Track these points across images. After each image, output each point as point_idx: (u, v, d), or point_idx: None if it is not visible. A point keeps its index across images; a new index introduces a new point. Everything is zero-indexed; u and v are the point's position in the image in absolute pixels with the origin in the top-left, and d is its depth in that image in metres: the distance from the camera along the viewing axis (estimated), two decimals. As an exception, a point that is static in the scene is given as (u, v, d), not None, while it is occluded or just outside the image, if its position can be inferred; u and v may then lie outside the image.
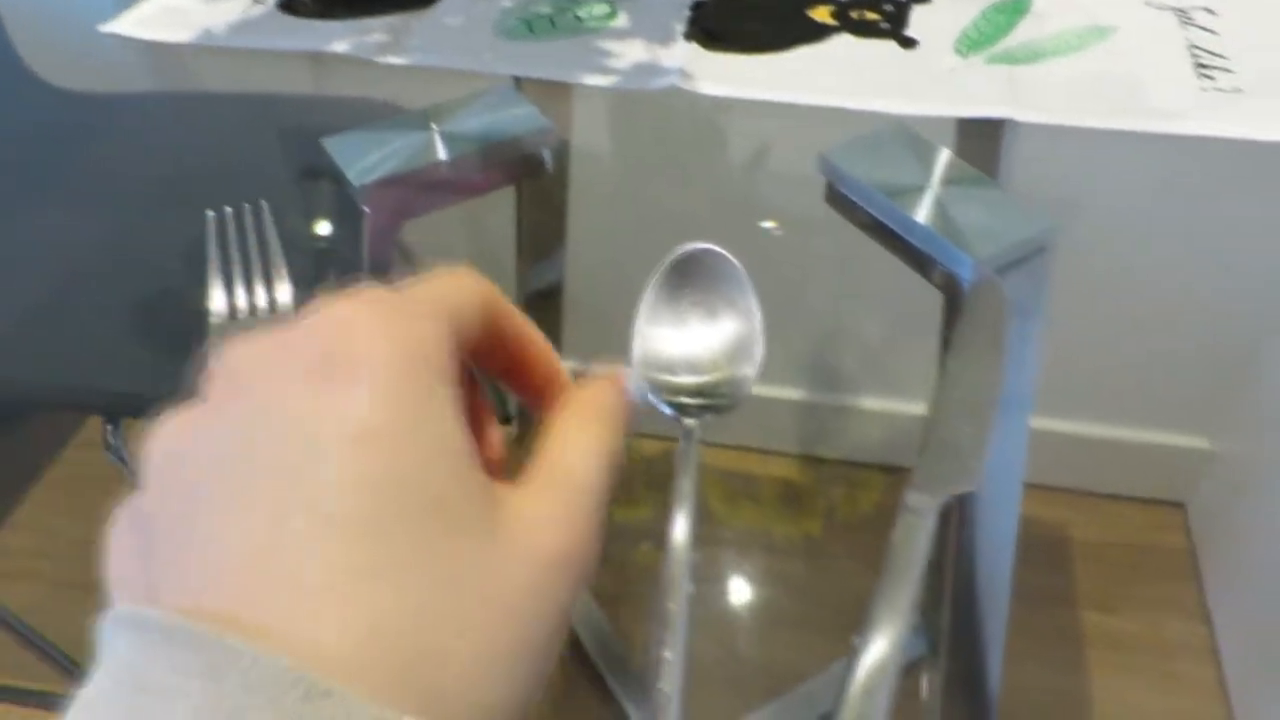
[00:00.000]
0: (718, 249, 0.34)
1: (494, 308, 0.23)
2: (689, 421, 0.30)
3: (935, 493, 0.30)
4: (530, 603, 0.19)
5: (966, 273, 0.42)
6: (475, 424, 0.23)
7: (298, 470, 0.18)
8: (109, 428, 0.86)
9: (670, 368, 0.32)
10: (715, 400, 0.31)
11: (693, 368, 0.32)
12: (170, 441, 0.20)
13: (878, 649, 0.26)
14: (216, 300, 0.39)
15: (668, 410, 0.31)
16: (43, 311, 0.70)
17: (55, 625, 1.00)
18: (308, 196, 0.72)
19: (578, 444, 0.22)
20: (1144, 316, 1.02)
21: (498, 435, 0.25)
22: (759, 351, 0.32)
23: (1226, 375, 1.06)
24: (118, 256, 0.75)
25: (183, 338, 0.71)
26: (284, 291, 0.41)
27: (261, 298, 0.39)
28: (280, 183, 0.79)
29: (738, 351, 0.32)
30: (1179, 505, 1.19)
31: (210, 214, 0.42)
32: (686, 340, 0.32)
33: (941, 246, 0.43)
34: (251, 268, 0.40)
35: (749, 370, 0.32)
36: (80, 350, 0.71)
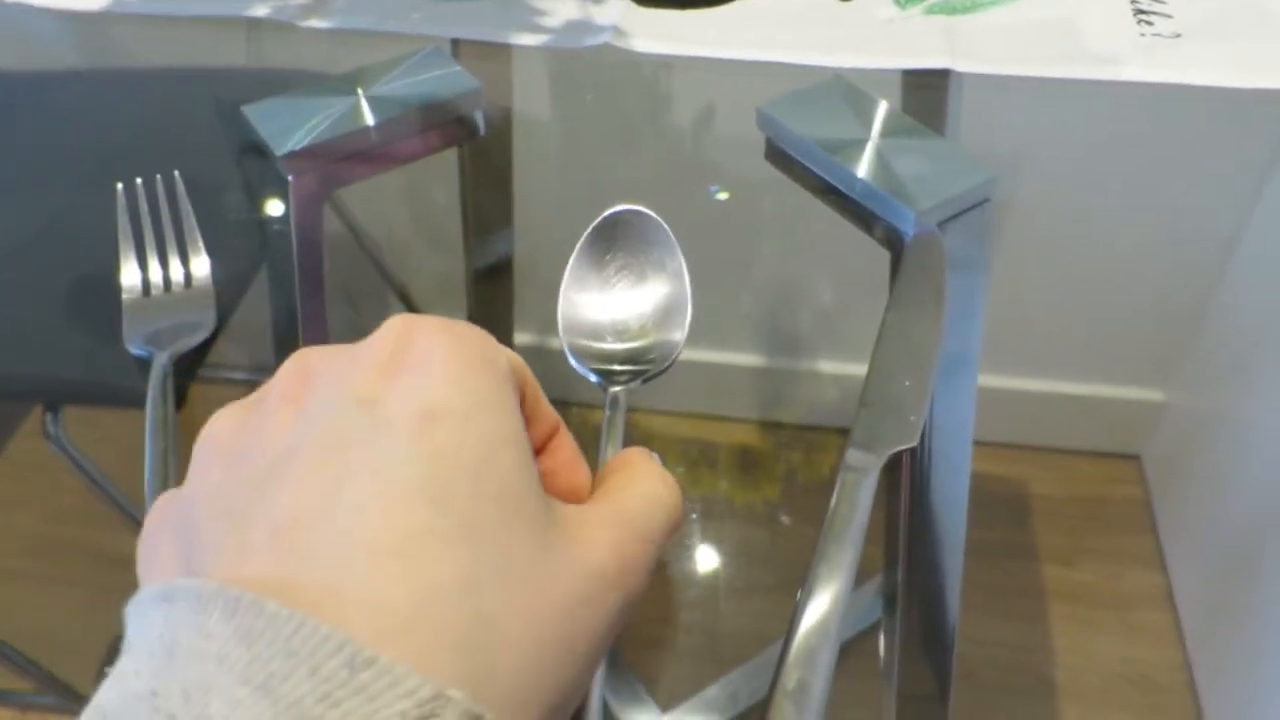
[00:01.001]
0: (644, 210, 0.33)
1: (526, 386, 0.23)
2: (615, 389, 0.30)
3: (876, 450, 0.30)
4: (579, 608, 0.18)
5: (908, 227, 0.41)
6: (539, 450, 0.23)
7: (364, 441, 0.17)
8: (48, 416, 0.84)
9: (596, 333, 0.31)
10: (642, 366, 0.30)
11: (619, 333, 0.31)
12: (228, 431, 0.20)
13: (818, 608, 0.26)
14: (129, 275, 0.37)
15: (594, 378, 0.30)
16: None
17: (12, 623, 0.98)
18: (234, 168, 0.70)
19: (640, 489, 0.22)
20: (1094, 270, 1.02)
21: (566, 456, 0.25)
22: (687, 315, 0.31)
23: (1178, 327, 1.07)
24: (44, 239, 0.73)
25: (116, 322, 0.69)
26: (200, 265, 0.39)
27: (177, 271, 0.38)
28: (208, 156, 0.77)
29: (666, 316, 0.31)
30: (1134, 457, 1.21)
31: (120, 186, 0.40)
32: (612, 305, 0.32)
33: (882, 201, 0.42)
34: (165, 241, 0.38)
35: (677, 335, 0.31)
36: (12, 337, 0.69)
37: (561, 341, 0.31)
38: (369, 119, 0.46)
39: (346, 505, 0.17)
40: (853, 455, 0.29)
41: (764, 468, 1.10)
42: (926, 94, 0.52)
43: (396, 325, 0.20)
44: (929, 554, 0.53)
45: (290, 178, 0.45)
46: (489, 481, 0.18)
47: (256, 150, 0.47)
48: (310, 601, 0.15)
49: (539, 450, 0.23)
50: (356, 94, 0.47)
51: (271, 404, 0.19)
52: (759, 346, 1.09)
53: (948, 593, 0.55)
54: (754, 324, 1.06)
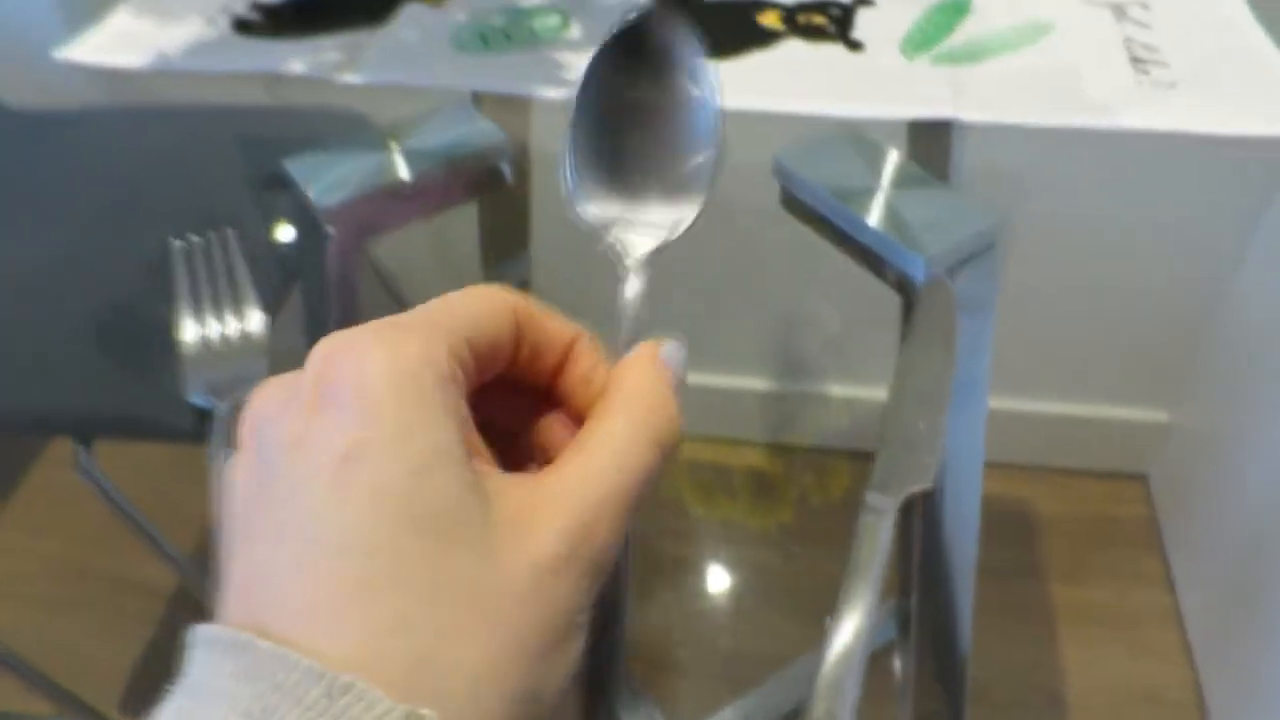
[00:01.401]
0: (669, 14, 0.28)
1: (524, 317, 0.23)
2: (632, 259, 0.26)
3: (894, 492, 0.32)
4: (526, 609, 0.19)
5: (918, 272, 0.43)
6: (522, 419, 0.24)
7: (294, 493, 0.19)
8: (80, 449, 0.86)
9: (609, 191, 0.27)
10: (659, 227, 0.26)
11: (634, 193, 0.27)
12: (228, 484, 0.21)
13: (843, 641, 0.28)
14: (188, 331, 0.39)
15: (616, 249, 0.27)
16: (3, 335, 0.70)
17: (36, 646, 0.99)
18: (269, 216, 0.72)
19: (597, 451, 0.22)
20: (1098, 293, 1.04)
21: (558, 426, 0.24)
22: (715, 148, 0.27)
23: (1181, 348, 1.09)
24: (77, 275, 0.75)
25: (148, 356, 0.71)
26: (255, 320, 0.41)
27: (233, 327, 0.40)
28: (237, 197, 0.79)
29: (689, 153, 0.27)
30: (1140, 477, 1.22)
31: (177, 243, 0.42)
32: (626, 151, 0.27)
33: (892, 247, 0.44)
34: (221, 297, 0.40)
35: (702, 180, 0.27)
36: (44, 372, 0.71)
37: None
38: (404, 172, 0.48)
39: (284, 567, 0.18)
40: (872, 497, 0.32)
41: (776, 490, 1.12)
42: (932, 138, 0.54)
43: (320, 351, 0.20)
44: (941, 579, 0.55)
45: (330, 229, 0.47)
46: (419, 506, 0.18)
47: (292, 199, 0.49)
48: (290, 644, 0.17)
49: (554, 374, 0.24)
50: (391, 147, 0.49)
51: (238, 461, 0.21)
52: (771, 371, 1.12)
53: (960, 615, 0.57)
54: (766, 349, 1.09)
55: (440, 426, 0.19)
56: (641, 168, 0.27)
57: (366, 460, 0.19)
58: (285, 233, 0.56)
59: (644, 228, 0.27)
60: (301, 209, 0.48)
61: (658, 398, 0.23)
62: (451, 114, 0.51)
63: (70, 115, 0.87)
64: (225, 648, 0.18)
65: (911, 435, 0.34)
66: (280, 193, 0.50)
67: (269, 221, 0.66)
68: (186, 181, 0.84)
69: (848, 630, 0.28)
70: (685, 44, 0.27)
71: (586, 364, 0.24)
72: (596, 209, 0.27)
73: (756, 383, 1.12)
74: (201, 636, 0.18)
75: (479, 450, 0.22)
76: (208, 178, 0.83)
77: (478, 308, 0.22)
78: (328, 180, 0.47)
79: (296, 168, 0.48)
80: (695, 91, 0.27)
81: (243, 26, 0.58)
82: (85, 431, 0.83)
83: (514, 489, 0.20)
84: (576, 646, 0.20)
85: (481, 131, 0.50)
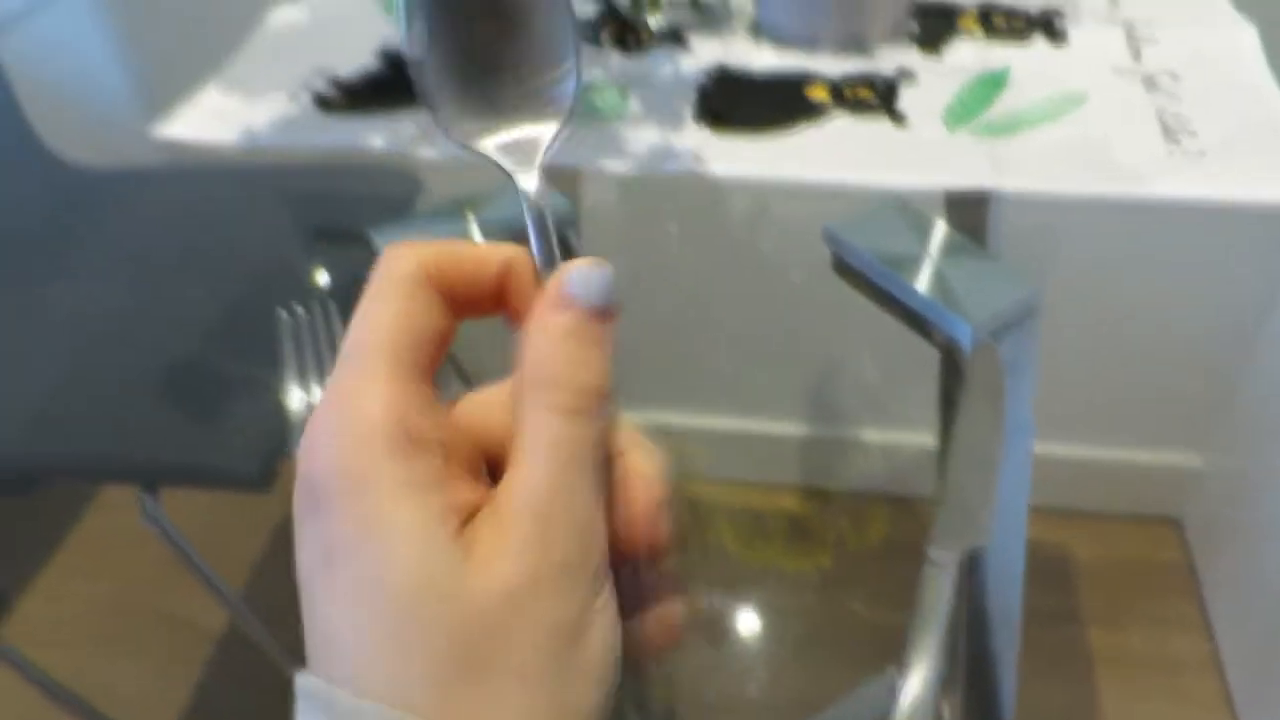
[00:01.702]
0: None
1: (443, 273, 0.23)
2: (524, 176, 0.25)
3: (953, 547, 0.34)
4: (516, 632, 0.20)
5: (964, 337, 0.46)
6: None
7: (306, 588, 0.21)
8: (146, 496, 0.89)
9: (480, 90, 0.25)
10: (536, 139, 0.25)
11: (507, 84, 0.26)
12: None
13: (913, 694, 0.30)
14: (294, 398, 0.43)
15: (486, 150, 0.26)
16: (73, 384, 0.73)
17: (90, 688, 1.02)
18: (317, 259, 0.76)
19: (518, 449, 0.21)
20: (1131, 337, 1.06)
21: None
22: (574, 50, 0.26)
23: (1213, 392, 1.10)
24: (143, 327, 0.78)
25: (212, 406, 0.74)
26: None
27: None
28: (293, 250, 0.83)
29: (547, 44, 0.26)
30: (1175, 521, 1.23)
31: (284, 315, 0.46)
32: (486, 47, 0.26)
33: (940, 313, 0.47)
34: (324, 364, 0.44)
35: (568, 83, 0.26)
36: (114, 421, 0.74)
37: (444, 128, 0.25)
38: (479, 240, 0.52)
39: (322, 640, 0.21)
40: (934, 553, 0.34)
41: (815, 535, 1.14)
42: (968, 205, 0.57)
43: (300, 447, 0.21)
44: (987, 626, 0.57)
45: (412, 296, 0.50)
46: (390, 574, 0.20)
47: (361, 259, 0.53)
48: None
49: (495, 301, 0.23)
50: (467, 218, 0.53)
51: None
52: (809, 417, 1.14)
53: (1004, 663, 0.59)
54: (804, 396, 1.11)
55: (399, 498, 0.20)
56: (507, 77, 0.26)
57: (339, 564, 0.20)
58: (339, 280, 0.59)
59: (524, 142, 0.26)
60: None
61: (554, 362, 0.22)
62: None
63: (133, 173, 0.91)
64: (305, 694, 0.20)
65: (967, 494, 0.36)
66: (346, 251, 0.53)
67: (348, 285, 0.70)
68: (244, 236, 0.87)
69: (916, 681, 0.31)
70: None
71: (523, 286, 0.24)
72: (470, 126, 0.25)
73: (794, 428, 1.14)
74: (295, 684, 0.21)
75: (456, 472, 0.22)
76: (264, 232, 0.87)
77: (398, 306, 0.22)
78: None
79: (381, 237, 0.52)
80: None
81: (323, 103, 0.62)
82: (152, 479, 0.86)
83: (481, 524, 0.21)
84: (601, 639, 0.21)
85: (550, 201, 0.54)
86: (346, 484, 0.20)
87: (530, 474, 0.21)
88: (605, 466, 0.22)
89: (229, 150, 0.58)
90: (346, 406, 0.21)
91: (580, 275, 0.22)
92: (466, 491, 0.21)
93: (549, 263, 0.24)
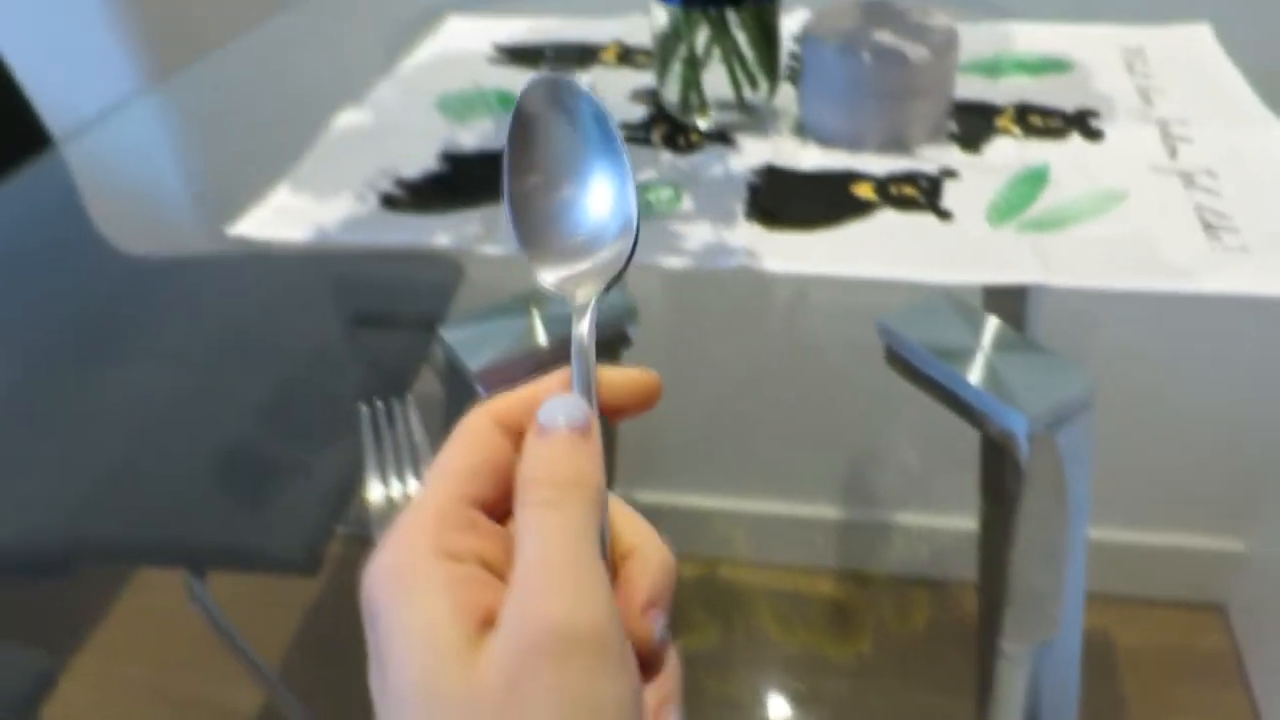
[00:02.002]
0: (571, 81, 0.30)
1: (514, 417, 0.26)
2: (582, 294, 0.29)
3: (1025, 640, 0.35)
4: (514, 707, 0.21)
5: (1020, 429, 0.47)
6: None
7: (373, 693, 0.23)
8: (194, 579, 0.91)
9: (551, 239, 0.30)
10: (600, 267, 0.29)
11: (573, 235, 0.30)
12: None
13: (994, 784, 0.31)
14: (374, 492, 0.44)
15: (553, 288, 0.30)
16: (123, 469, 0.75)
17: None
18: (362, 345, 0.77)
19: (515, 555, 0.23)
20: (1173, 423, 1.06)
21: None
22: (632, 201, 0.30)
23: (1257, 476, 1.10)
24: (193, 413, 0.80)
25: (257, 489, 0.76)
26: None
27: (413, 486, 0.45)
28: (340, 337, 0.85)
29: (612, 207, 0.30)
30: (1219, 607, 1.22)
31: (364, 409, 0.48)
32: (559, 204, 0.30)
33: (995, 405, 0.48)
34: (402, 459, 0.45)
35: (627, 224, 0.30)
36: (164, 506, 0.76)
37: (524, 258, 0.30)
38: (543, 337, 0.54)
39: None
40: (1007, 645, 0.35)
41: (854, 620, 1.13)
42: (1007, 298, 0.59)
43: (362, 585, 0.23)
44: (1045, 715, 0.57)
45: (480, 389, 0.52)
46: (405, 676, 0.21)
47: (443, 356, 0.55)
48: None
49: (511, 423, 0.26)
50: (532, 313, 0.55)
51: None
52: (847, 499, 1.15)
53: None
54: (844, 479, 1.12)
55: (417, 602, 0.22)
56: (580, 220, 0.30)
57: (377, 667, 0.22)
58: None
59: (589, 275, 0.30)
60: (454, 370, 0.53)
61: (532, 466, 0.24)
62: (584, 283, 0.56)
63: (185, 262, 0.94)
64: None
65: (1036, 587, 0.37)
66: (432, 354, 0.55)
67: (403, 373, 0.72)
68: (290, 323, 0.90)
69: (995, 771, 0.31)
70: (582, 98, 0.30)
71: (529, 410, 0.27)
72: (552, 272, 0.30)
73: (834, 512, 1.14)
74: None
75: (496, 581, 0.23)
76: (310, 319, 0.90)
77: (459, 448, 0.26)
78: (478, 345, 0.53)
79: (451, 334, 0.54)
80: (605, 142, 0.30)
81: (389, 202, 0.65)
82: (200, 563, 0.88)
83: (500, 638, 0.22)
84: (617, 702, 0.21)
85: (611, 298, 0.56)
86: (385, 592, 0.23)
87: (520, 563, 0.22)
88: (601, 550, 0.24)
89: (300, 247, 0.61)
90: (398, 529, 0.24)
91: (551, 406, 0.26)
92: (499, 593, 0.23)
93: (584, 393, 0.27)
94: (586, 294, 0.29)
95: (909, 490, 1.11)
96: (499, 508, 0.25)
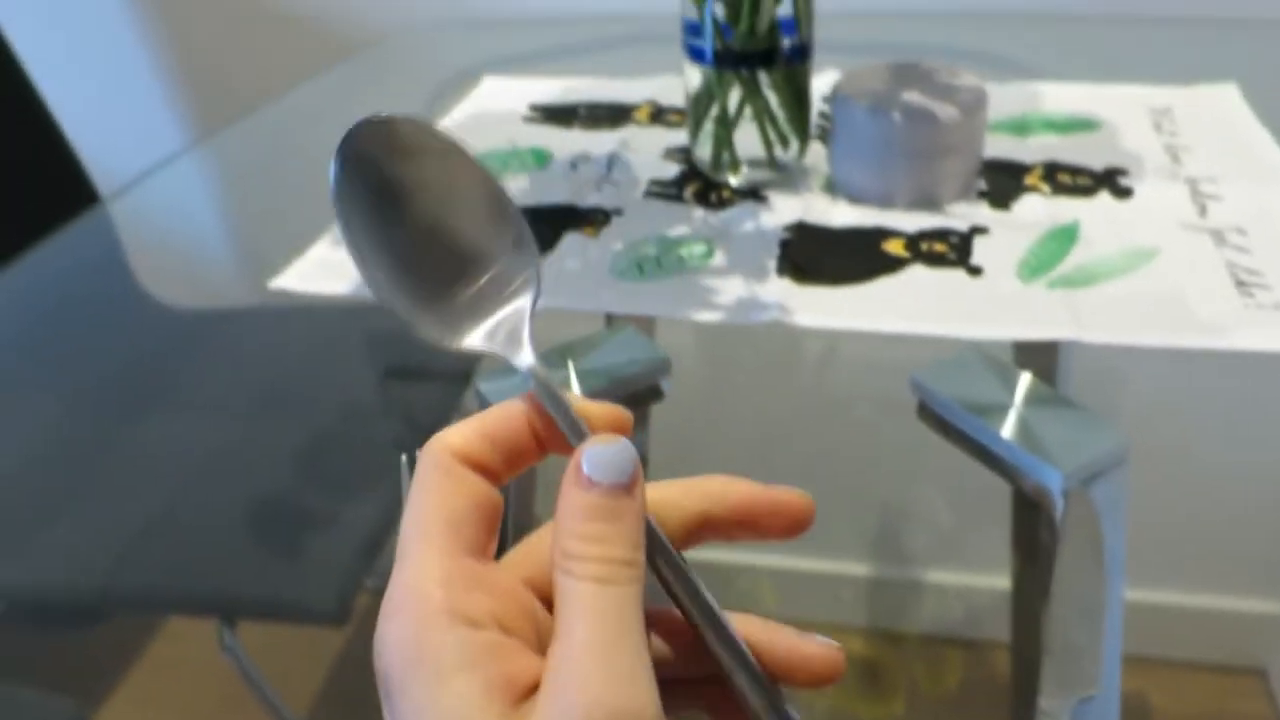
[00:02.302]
0: (404, 117, 0.27)
1: (480, 448, 0.25)
2: (520, 359, 0.26)
3: (1064, 697, 0.35)
4: None
5: (1055, 484, 0.47)
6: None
7: None
8: (226, 629, 0.91)
9: (449, 295, 0.26)
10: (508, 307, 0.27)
11: (474, 279, 0.27)
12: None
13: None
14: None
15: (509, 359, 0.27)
16: (161, 520, 0.76)
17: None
18: (427, 414, 0.79)
19: (557, 628, 0.22)
20: (1208, 481, 1.05)
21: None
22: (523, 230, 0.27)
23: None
24: (227, 465, 0.81)
25: (289, 540, 0.76)
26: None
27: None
28: (374, 389, 0.86)
29: (497, 228, 0.27)
30: (1260, 671, 1.19)
31: (403, 456, 0.48)
32: (441, 253, 0.26)
33: (1029, 461, 0.48)
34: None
35: (525, 242, 0.27)
36: (197, 555, 0.76)
37: (429, 339, 0.26)
38: (577, 390, 0.54)
39: None
40: (1046, 702, 0.35)
41: (886, 680, 1.12)
42: (1036, 354, 0.59)
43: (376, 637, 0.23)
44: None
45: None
46: None
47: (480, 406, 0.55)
48: None
49: (538, 449, 0.26)
50: (567, 366, 0.56)
51: None
52: (877, 556, 1.14)
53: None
54: (872, 535, 1.11)
55: (448, 680, 0.21)
56: (467, 274, 0.27)
57: None
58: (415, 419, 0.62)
59: (505, 322, 0.27)
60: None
61: (580, 538, 0.23)
62: (618, 336, 0.57)
63: (224, 314, 0.96)
64: None
65: (1075, 644, 0.37)
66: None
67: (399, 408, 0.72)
68: (323, 374, 0.91)
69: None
70: (431, 133, 0.27)
71: (551, 433, 0.26)
72: (451, 330, 0.26)
73: (864, 569, 1.13)
74: None
75: (515, 641, 0.23)
76: (342, 370, 0.91)
77: (438, 495, 0.24)
78: (505, 395, 0.54)
79: (487, 385, 0.54)
80: (470, 169, 0.27)
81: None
82: (232, 612, 0.88)
83: (537, 696, 0.22)
84: None
85: (644, 352, 0.56)
86: (405, 670, 0.22)
87: (569, 644, 0.22)
88: (643, 625, 0.23)
89: (339, 300, 0.62)
90: (401, 598, 0.23)
91: (596, 456, 0.24)
92: (524, 659, 0.23)
93: (571, 428, 0.25)
94: (517, 324, 0.26)
95: (941, 548, 1.10)
96: (489, 550, 0.25)
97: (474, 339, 0.27)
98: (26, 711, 0.74)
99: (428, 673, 0.21)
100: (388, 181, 0.26)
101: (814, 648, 0.26)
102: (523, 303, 0.27)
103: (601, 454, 0.24)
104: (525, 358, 0.26)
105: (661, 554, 0.25)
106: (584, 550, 0.23)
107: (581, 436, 0.25)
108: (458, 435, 0.25)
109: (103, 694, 1.32)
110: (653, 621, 0.25)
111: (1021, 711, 0.81)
